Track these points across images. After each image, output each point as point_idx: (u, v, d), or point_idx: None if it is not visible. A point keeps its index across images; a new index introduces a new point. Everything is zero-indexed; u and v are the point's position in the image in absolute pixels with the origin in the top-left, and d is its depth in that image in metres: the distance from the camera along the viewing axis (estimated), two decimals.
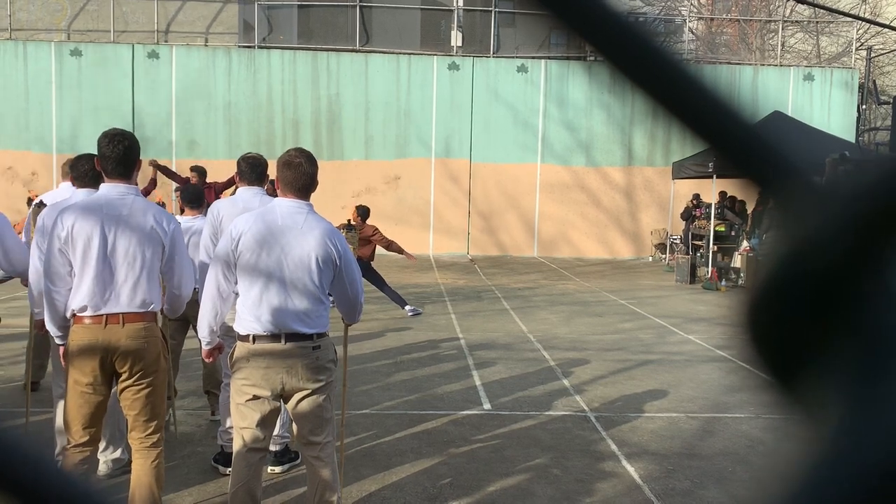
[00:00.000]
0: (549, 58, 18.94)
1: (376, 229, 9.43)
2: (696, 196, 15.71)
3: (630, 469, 4.59)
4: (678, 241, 16.38)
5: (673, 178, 16.42)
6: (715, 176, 13.52)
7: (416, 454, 4.71)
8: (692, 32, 20.60)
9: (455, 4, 19.98)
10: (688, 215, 15.79)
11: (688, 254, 14.73)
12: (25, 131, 17.10)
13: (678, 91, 0.22)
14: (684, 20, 20.42)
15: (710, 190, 14.34)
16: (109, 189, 3.25)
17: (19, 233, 5.11)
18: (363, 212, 9.42)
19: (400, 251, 9.37)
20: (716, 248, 13.68)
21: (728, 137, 0.22)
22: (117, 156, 3.21)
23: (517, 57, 18.57)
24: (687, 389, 6.38)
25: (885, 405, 0.15)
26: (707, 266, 13.60)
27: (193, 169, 9.79)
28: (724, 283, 13.10)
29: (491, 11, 18.74)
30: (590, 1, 0.22)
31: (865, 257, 0.16)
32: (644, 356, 7.61)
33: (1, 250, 4.12)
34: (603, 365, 7.19)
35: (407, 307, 9.59)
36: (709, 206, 14.36)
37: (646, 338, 8.59)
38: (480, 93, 18.09)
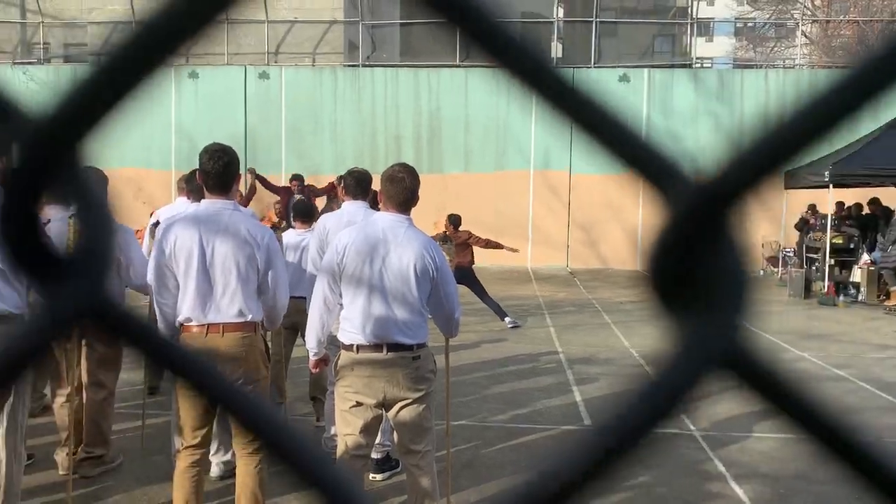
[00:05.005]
0: (652, 66, 18.55)
1: (470, 233, 9.51)
2: (812, 206, 14.93)
3: (738, 490, 4.40)
4: (791, 254, 15.59)
5: (785, 188, 15.68)
6: (831, 185, 12.82)
7: (515, 467, 4.69)
8: (805, 36, 19.67)
9: (555, 16, 19.91)
10: (802, 226, 15.02)
11: (802, 267, 14.00)
12: (148, 150, 18.24)
13: (565, 102, 0.27)
14: (797, 24, 19.52)
15: (826, 200, 13.61)
16: (209, 205, 3.37)
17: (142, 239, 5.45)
18: (455, 220, 9.54)
19: (499, 246, 9.41)
20: (833, 261, 12.94)
21: (618, 142, 0.27)
22: (217, 171, 3.30)
23: (619, 66, 18.29)
24: None
25: (706, 325, 0.26)
26: (823, 280, 12.88)
27: (294, 178, 10.30)
28: (842, 298, 12.37)
29: (592, 21, 18.55)
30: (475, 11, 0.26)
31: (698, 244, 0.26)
32: None
33: (126, 263, 4.42)
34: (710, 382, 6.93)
35: (507, 319, 9.56)
36: (825, 216, 13.62)
37: None
38: None
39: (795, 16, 20.12)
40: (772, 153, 0.25)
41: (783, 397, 0.25)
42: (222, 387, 0.30)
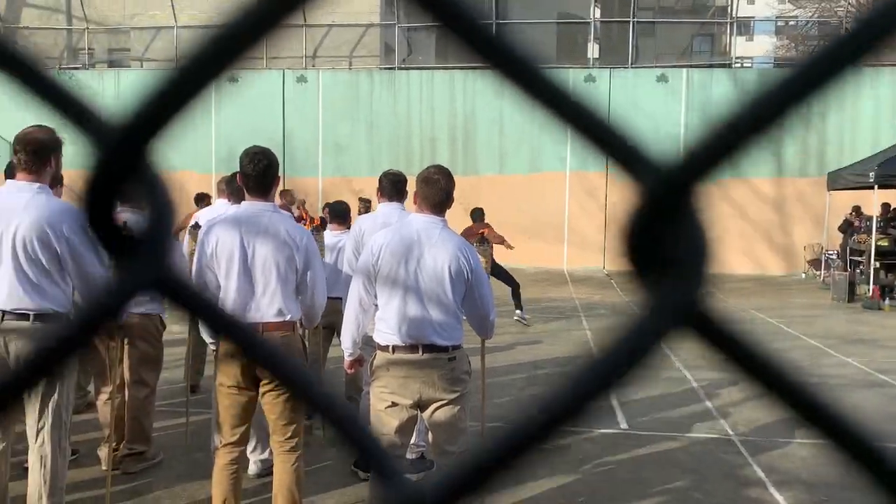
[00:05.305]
0: (690, 66, 18.31)
1: (489, 227, 9.61)
2: (856, 208, 14.59)
3: (779, 497, 4.32)
4: (835, 257, 15.25)
5: (829, 190, 15.37)
6: (877, 186, 12.52)
7: (549, 469, 4.67)
8: None
9: (592, 16, 19.78)
10: (846, 228, 14.69)
11: (846, 270, 13.69)
12: (189, 153, 18.57)
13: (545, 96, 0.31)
14: (841, 21, 19.10)
15: (871, 201, 13.29)
16: (249, 206, 3.43)
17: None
18: (477, 214, 9.72)
19: (502, 241, 9.55)
20: (878, 263, 12.63)
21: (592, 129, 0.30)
22: (257, 173, 3.34)
23: (657, 66, 18.10)
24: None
25: (670, 290, 0.30)
26: (868, 283, 12.58)
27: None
28: (887, 302, 12.06)
29: (629, 22, 18.39)
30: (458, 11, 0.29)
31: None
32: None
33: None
34: (749, 387, 6.80)
35: (518, 312, 9.82)
36: (870, 218, 13.30)
37: (798, 359, 8.06)
38: (618, 104, 17.76)
39: (839, 13, 19.69)
40: (727, 141, 0.29)
41: (737, 352, 0.30)
42: (264, 349, 0.35)
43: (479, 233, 9.38)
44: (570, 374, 0.30)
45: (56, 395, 3.30)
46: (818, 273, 16.12)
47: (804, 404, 0.31)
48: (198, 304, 0.34)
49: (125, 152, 0.30)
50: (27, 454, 3.48)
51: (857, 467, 0.32)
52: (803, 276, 16.92)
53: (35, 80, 0.31)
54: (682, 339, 0.30)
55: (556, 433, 0.31)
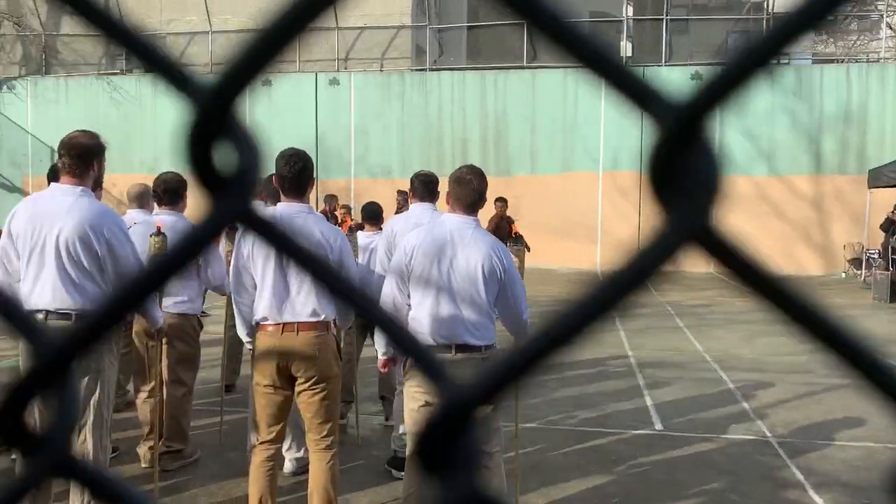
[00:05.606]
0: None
1: (510, 219, 9.72)
2: None
3: (818, 500, 4.24)
4: (876, 256, 14.91)
5: (869, 187, 15.04)
6: None
7: (583, 471, 4.65)
8: (891, 28, 18.79)
9: (624, 14, 19.62)
10: (888, 227, 14.36)
11: (888, 269, 13.37)
12: (223, 155, 18.80)
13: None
14: (881, 16, 18.68)
15: None
16: (285, 207, 3.48)
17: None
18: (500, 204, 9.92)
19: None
20: None
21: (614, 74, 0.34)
22: (293, 175, 3.40)
23: (691, 64, 17.88)
24: (886, 418, 5.79)
25: (683, 210, 0.34)
26: None
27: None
28: None
29: (662, 20, 18.20)
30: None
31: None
32: (835, 380, 7.01)
33: (204, 265, 4.60)
34: (787, 388, 6.70)
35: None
36: None
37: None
38: None
39: (880, 7, 19.24)
40: (728, 80, 0.32)
41: (742, 266, 0.33)
42: (316, 263, 0.40)
43: (511, 230, 9.40)
44: (595, 283, 0.34)
45: (98, 393, 3.38)
46: (859, 272, 15.78)
47: (803, 317, 0.34)
48: (279, 238, 0.39)
49: (217, 107, 0.37)
50: None
51: (863, 382, 0.34)
52: (843, 275, 16.57)
53: (138, 46, 0.40)
54: (691, 253, 0.33)
55: (585, 333, 0.34)
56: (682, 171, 0.32)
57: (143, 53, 0.39)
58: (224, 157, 0.37)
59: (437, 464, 0.36)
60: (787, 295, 0.34)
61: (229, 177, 0.37)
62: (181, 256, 0.39)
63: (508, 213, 11.40)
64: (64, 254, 3.26)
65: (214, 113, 0.37)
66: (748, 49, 0.32)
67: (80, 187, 3.33)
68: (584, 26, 0.35)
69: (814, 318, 0.34)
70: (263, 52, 0.37)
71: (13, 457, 4.42)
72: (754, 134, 17.17)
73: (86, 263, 3.28)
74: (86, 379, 3.34)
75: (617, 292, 0.33)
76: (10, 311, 0.43)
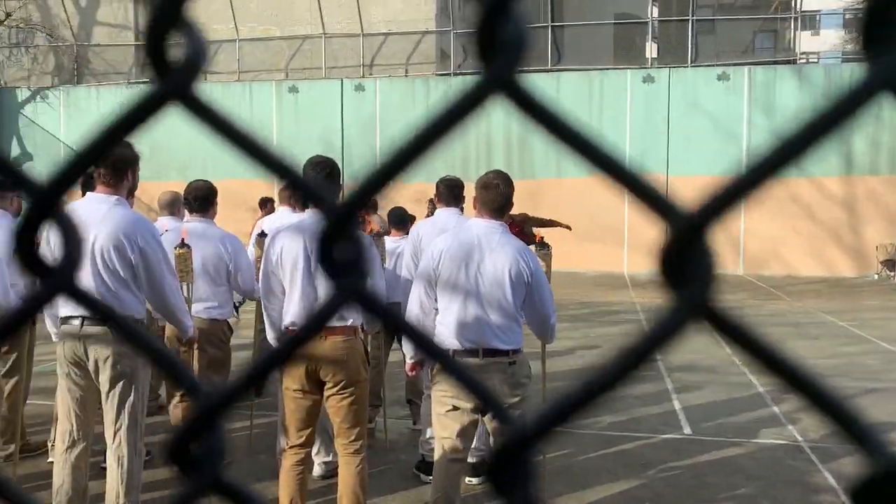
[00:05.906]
0: (753, 64, 17.87)
1: (525, 215, 9.40)
2: None
3: None
4: None
5: None
6: None
7: (611, 475, 4.63)
8: None
9: (650, 16, 19.51)
10: None
11: None
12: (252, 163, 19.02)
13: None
14: None
15: None
16: (312, 214, 3.53)
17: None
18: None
19: (552, 223, 8.70)
20: None
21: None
22: (320, 182, 3.48)
23: (718, 65, 17.72)
24: None
25: (690, 293, 0.40)
26: None
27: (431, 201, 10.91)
28: None
29: (688, 20, 18.06)
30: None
31: None
32: (869, 384, 6.90)
33: (234, 271, 4.67)
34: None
35: None
36: None
37: (871, 364, 7.78)
38: (678, 104, 17.46)
39: None
40: (734, 192, 0.40)
41: (740, 338, 0.39)
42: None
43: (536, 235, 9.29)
44: (616, 352, 0.39)
45: (132, 398, 3.44)
46: (892, 274, 15.50)
47: (795, 381, 0.39)
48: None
49: (342, 217, 0.46)
50: (104, 455, 3.64)
51: (844, 435, 0.40)
52: (876, 277, 16.29)
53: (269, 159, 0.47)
54: (697, 329, 0.39)
55: (606, 393, 0.40)
56: (689, 264, 0.39)
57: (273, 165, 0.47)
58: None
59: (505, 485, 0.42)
60: (782, 364, 0.39)
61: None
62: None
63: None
64: (99, 261, 3.33)
65: (340, 221, 0.45)
66: (752, 165, 0.40)
67: (115, 196, 3.41)
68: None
69: (805, 383, 0.39)
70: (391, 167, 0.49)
71: (10, 456, 4.51)
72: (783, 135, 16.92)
73: (120, 271, 3.35)
74: (120, 383, 3.41)
75: (637, 356, 0.39)
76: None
